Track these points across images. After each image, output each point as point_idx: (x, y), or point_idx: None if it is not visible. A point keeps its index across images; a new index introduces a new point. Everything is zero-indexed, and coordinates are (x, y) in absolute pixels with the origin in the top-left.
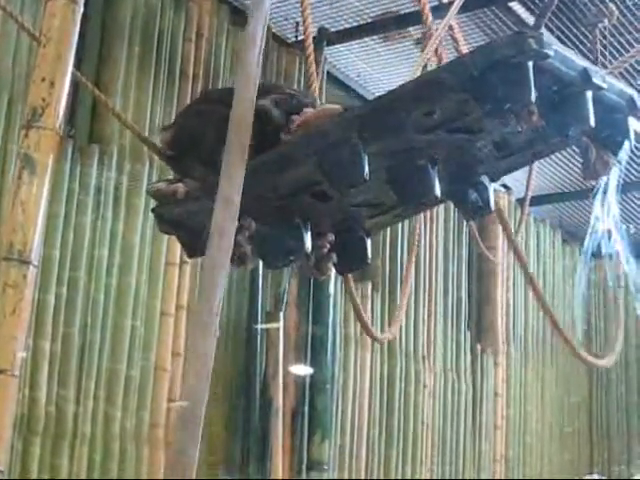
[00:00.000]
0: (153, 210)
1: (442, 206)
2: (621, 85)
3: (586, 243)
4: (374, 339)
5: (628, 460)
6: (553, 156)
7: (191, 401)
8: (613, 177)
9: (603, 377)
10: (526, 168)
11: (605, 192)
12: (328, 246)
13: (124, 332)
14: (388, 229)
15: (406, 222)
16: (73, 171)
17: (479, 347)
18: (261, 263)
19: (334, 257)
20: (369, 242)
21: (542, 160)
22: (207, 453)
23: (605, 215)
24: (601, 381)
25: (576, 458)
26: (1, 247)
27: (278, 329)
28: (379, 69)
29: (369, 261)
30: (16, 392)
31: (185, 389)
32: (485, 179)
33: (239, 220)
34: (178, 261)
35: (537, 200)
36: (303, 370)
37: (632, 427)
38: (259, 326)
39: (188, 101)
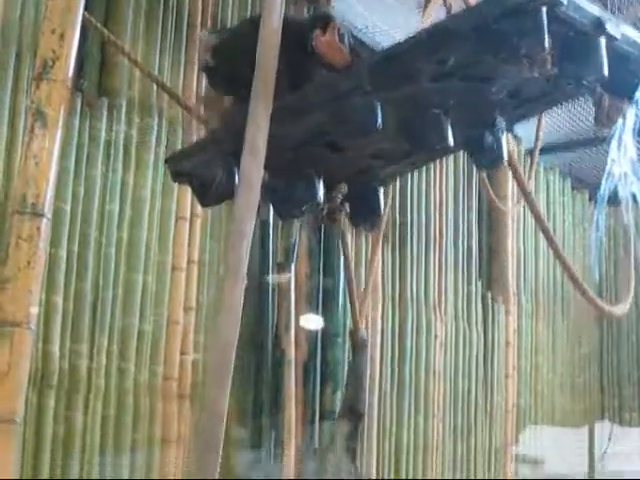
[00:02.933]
0: (166, 161)
1: (451, 156)
2: (635, 33)
3: (601, 188)
4: None
5: (639, 407)
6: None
7: (222, 348)
8: (630, 119)
9: (614, 326)
10: (535, 117)
11: (620, 136)
12: (341, 197)
13: (136, 287)
14: (398, 178)
15: (416, 171)
16: (82, 125)
17: (490, 297)
18: (271, 214)
19: (347, 208)
20: (382, 193)
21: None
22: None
23: (620, 158)
24: (612, 330)
25: (587, 406)
26: (14, 200)
27: (289, 281)
28: (387, 20)
29: (382, 212)
30: (31, 345)
31: (216, 336)
32: (499, 126)
33: None
34: (189, 215)
35: (546, 149)
36: (314, 322)
37: None
38: (270, 278)
39: (196, 53)
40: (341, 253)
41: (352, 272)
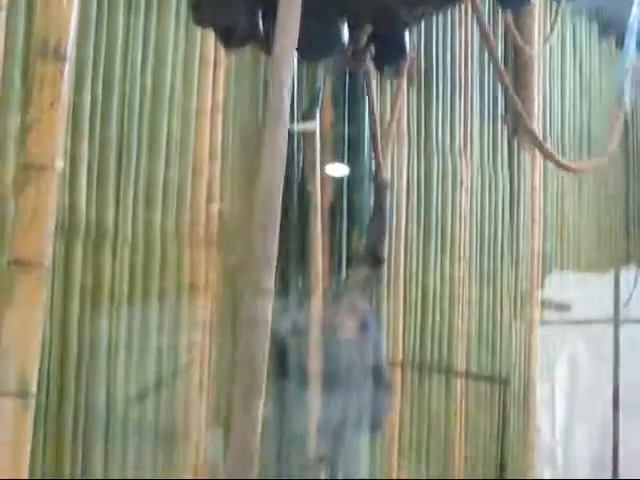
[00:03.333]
0: (190, 6)
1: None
2: None
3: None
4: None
5: None
6: None
7: (267, 193)
8: None
9: (639, 170)
10: None
11: None
12: (366, 38)
13: (160, 132)
14: (423, 22)
15: (441, 15)
16: None
17: (516, 142)
18: (295, 59)
19: (372, 49)
20: (407, 34)
21: None
22: (247, 250)
23: None
24: (637, 174)
25: (613, 251)
26: (36, 44)
27: (314, 128)
28: None
29: (407, 54)
30: (57, 188)
31: (260, 180)
32: None
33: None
34: (212, 59)
35: None
36: (340, 169)
37: None
38: (295, 127)
39: None
40: (365, 98)
41: (376, 114)
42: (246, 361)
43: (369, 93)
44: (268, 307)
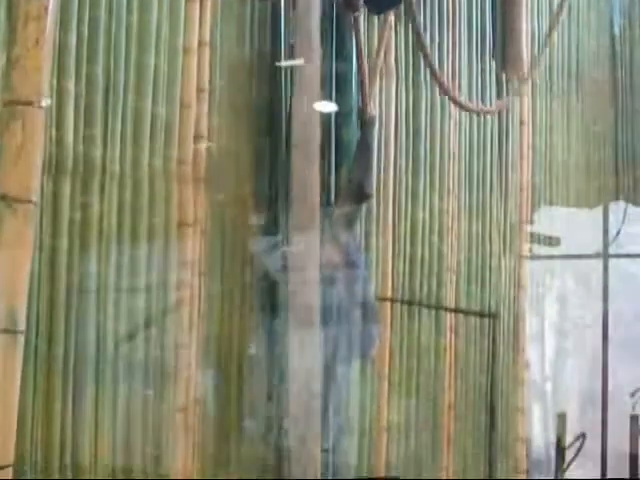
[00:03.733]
0: None
1: None
2: None
3: None
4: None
5: None
6: None
7: (304, 130)
8: None
9: (628, 105)
10: None
11: None
12: None
13: (147, 70)
14: None
15: None
16: None
17: (504, 76)
18: None
19: None
20: None
21: None
22: (236, 187)
23: None
24: (627, 110)
25: (602, 186)
26: None
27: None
28: None
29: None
30: (43, 124)
31: (296, 110)
32: None
33: None
34: None
35: None
36: (328, 106)
37: None
38: (283, 62)
39: None
40: (353, 33)
41: (363, 49)
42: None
43: (356, 28)
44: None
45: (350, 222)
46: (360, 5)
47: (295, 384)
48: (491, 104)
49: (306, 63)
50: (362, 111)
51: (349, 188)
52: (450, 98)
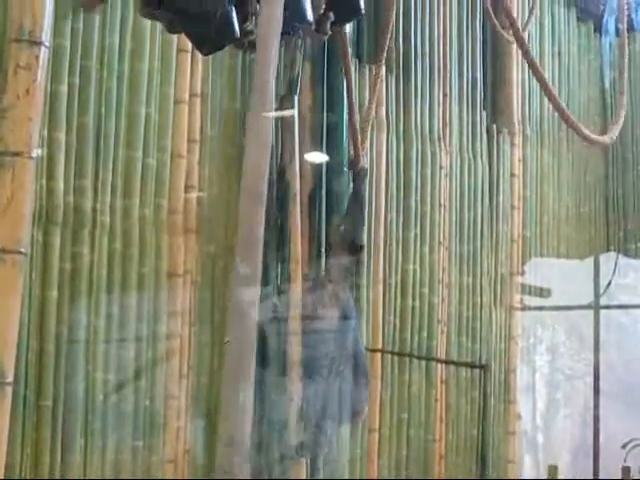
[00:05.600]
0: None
1: None
2: None
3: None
4: None
5: None
6: None
7: (253, 178)
8: None
9: (619, 156)
10: None
11: None
12: (324, 5)
13: (138, 120)
14: (401, 8)
15: (419, 1)
16: None
17: (495, 128)
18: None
19: (331, 16)
20: None
21: None
22: (226, 238)
23: None
24: (617, 160)
25: (593, 236)
26: (11, 29)
27: (292, 114)
28: None
29: (363, 11)
30: (33, 174)
31: (246, 163)
32: None
33: (245, 7)
34: (190, 47)
35: None
36: (319, 157)
37: None
38: (273, 113)
39: None
40: (344, 84)
41: (354, 100)
42: (234, 349)
43: (347, 77)
44: (256, 295)
45: (344, 275)
46: (328, 28)
47: None
48: (482, 155)
49: (258, 117)
50: (354, 163)
51: (341, 241)
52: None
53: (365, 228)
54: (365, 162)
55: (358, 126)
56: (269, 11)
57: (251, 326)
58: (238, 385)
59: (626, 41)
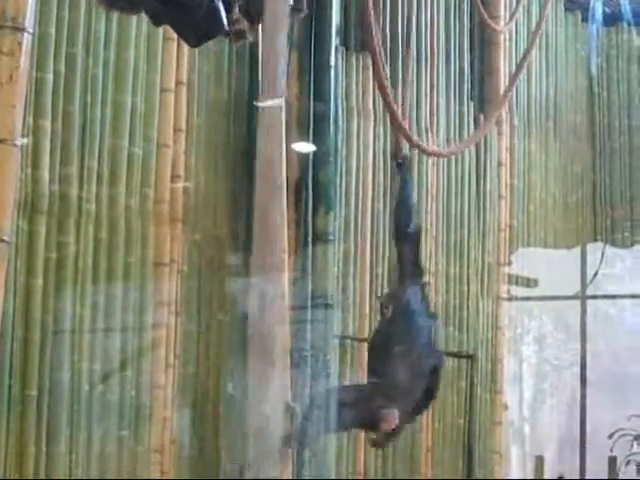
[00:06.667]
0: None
1: None
2: None
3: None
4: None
5: (631, 227)
6: None
7: (268, 166)
8: None
9: (606, 146)
10: None
11: None
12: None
13: (124, 109)
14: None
15: None
16: None
17: (482, 117)
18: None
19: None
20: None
21: None
22: (213, 227)
23: None
24: (604, 150)
25: (580, 226)
26: None
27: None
28: None
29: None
30: (17, 163)
31: (260, 156)
32: None
33: None
34: (176, 36)
35: None
36: (305, 147)
37: (636, 195)
38: (260, 103)
39: None
40: (331, 74)
41: (389, 91)
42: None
43: (378, 72)
44: (280, 282)
45: (414, 263)
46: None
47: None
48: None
49: (270, 101)
50: (396, 152)
51: (395, 230)
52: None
53: (415, 214)
54: (406, 150)
55: (398, 114)
56: (274, 3)
57: (276, 313)
58: (265, 377)
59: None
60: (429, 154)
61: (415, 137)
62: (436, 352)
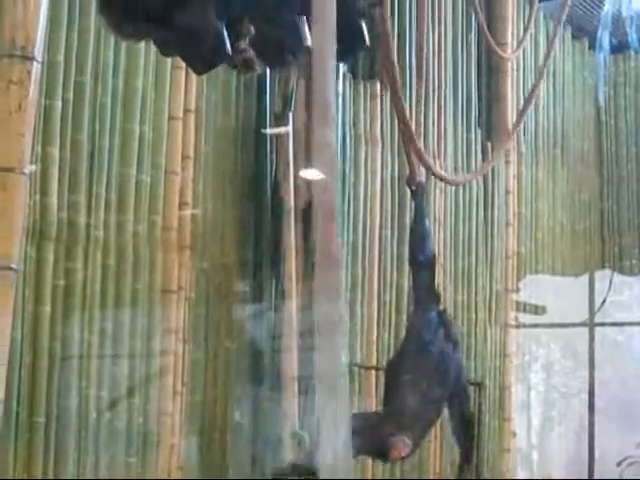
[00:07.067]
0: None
1: (450, 3)
2: None
3: (599, 35)
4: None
5: (639, 255)
6: None
7: (322, 187)
8: None
9: (614, 173)
10: None
11: None
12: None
13: (133, 136)
14: (396, 23)
15: (413, 20)
16: None
17: (490, 145)
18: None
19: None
20: (364, 25)
21: None
22: (221, 255)
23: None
24: (612, 178)
25: (588, 254)
26: (3, 44)
27: (287, 130)
28: None
29: (367, 44)
30: (26, 190)
31: (315, 183)
32: None
33: (237, 27)
34: (184, 65)
35: None
36: (313, 173)
37: None
38: (268, 130)
39: None
40: (339, 102)
41: (407, 118)
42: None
43: (396, 100)
44: (339, 310)
45: (429, 288)
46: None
47: None
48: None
49: (321, 130)
50: (411, 179)
51: (410, 256)
52: (432, 172)
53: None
54: (421, 177)
55: (413, 139)
56: (322, 33)
57: (338, 343)
58: (331, 403)
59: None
60: (449, 182)
61: (437, 168)
62: (457, 381)
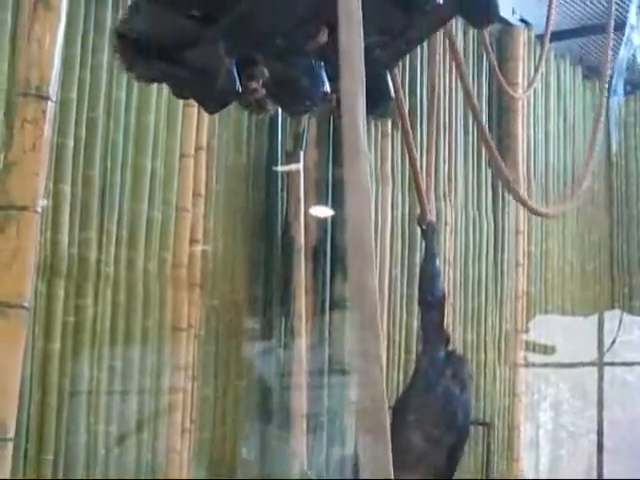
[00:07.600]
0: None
1: (461, 42)
2: None
3: (613, 77)
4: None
5: None
6: None
7: (356, 227)
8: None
9: (624, 214)
10: (546, 2)
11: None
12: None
13: (144, 173)
14: (407, 65)
15: (425, 59)
16: (88, 13)
17: (500, 184)
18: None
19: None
20: (389, 77)
21: None
22: (230, 292)
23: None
24: (622, 218)
25: (597, 294)
26: (19, 83)
27: (298, 169)
28: None
29: (392, 97)
30: (38, 229)
31: (349, 220)
32: None
33: (249, 68)
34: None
35: (557, 35)
36: (324, 211)
37: None
38: (279, 168)
39: None
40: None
41: (415, 156)
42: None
43: (407, 137)
44: (378, 345)
45: (439, 334)
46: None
47: None
48: (487, 211)
49: (354, 170)
50: (422, 218)
51: (420, 297)
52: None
53: (442, 281)
54: (432, 217)
55: (422, 180)
56: (352, 82)
57: (378, 378)
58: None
59: None
60: (545, 216)
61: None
62: (460, 424)
